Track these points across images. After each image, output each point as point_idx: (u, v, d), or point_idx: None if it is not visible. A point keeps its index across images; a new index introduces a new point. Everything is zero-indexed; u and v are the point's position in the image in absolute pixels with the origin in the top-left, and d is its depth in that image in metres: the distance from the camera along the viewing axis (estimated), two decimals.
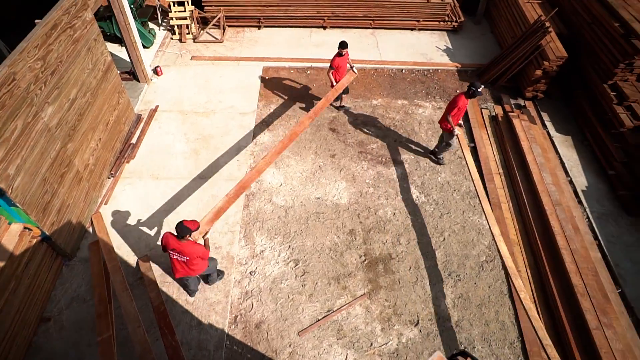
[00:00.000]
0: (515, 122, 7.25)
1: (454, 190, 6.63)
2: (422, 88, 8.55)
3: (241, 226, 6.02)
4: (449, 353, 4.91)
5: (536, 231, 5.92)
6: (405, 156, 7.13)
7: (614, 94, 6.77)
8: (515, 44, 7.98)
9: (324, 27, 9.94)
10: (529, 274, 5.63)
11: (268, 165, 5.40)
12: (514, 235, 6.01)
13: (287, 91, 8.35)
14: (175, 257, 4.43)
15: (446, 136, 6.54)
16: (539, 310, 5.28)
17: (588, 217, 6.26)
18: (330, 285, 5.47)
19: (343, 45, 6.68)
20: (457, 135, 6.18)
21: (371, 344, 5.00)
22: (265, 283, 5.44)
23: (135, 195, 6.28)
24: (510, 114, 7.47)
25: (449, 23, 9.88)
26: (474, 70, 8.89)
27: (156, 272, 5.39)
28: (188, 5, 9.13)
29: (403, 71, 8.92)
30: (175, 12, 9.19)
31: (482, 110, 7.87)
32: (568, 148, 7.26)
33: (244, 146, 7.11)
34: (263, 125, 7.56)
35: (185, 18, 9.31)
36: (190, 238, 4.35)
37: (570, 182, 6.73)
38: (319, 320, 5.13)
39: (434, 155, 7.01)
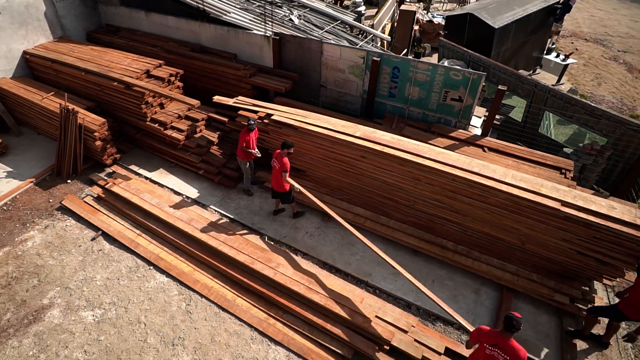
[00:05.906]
0: (116, 189, 7.76)
1: (117, 279, 6.66)
2: (16, 223, 7.69)
3: None
4: None
5: (200, 253, 6.86)
6: (51, 293, 6.46)
7: (157, 124, 8.29)
8: (62, 134, 8.21)
9: None
10: (219, 281, 6.59)
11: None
12: (191, 268, 6.76)
13: None
14: (493, 353, 4.11)
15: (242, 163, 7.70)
16: (239, 295, 6.36)
17: (215, 210, 7.77)
18: None
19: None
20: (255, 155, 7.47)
21: None
22: None
23: None
24: (107, 186, 7.88)
25: None
26: (50, 174, 8.63)
27: None
28: None
29: None
30: None
31: (85, 199, 7.92)
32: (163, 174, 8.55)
33: None
34: None
35: None
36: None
37: (188, 197, 8.10)
38: None
39: (247, 191, 8.14)
